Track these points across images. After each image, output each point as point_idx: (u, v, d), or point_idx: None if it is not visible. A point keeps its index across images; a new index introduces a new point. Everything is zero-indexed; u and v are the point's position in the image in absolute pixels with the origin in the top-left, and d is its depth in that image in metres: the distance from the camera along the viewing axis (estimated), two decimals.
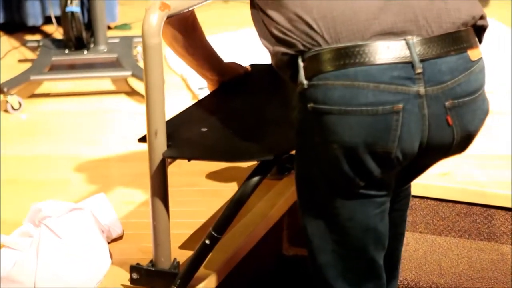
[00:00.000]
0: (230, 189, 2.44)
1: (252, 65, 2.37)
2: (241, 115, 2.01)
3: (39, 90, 3.39)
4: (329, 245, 1.63)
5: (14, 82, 3.22)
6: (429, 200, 2.46)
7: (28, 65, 3.45)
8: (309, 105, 1.51)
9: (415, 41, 1.48)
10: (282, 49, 1.54)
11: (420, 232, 2.49)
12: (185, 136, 1.89)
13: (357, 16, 1.48)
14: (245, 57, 3.60)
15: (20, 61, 3.68)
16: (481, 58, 1.57)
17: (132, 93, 3.35)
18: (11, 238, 2.03)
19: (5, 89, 3.14)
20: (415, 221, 2.47)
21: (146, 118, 1.79)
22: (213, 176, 2.55)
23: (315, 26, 1.50)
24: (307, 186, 1.63)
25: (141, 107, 3.18)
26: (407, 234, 2.38)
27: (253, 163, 2.54)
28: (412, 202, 2.36)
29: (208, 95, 2.17)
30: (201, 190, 2.47)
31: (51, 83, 3.42)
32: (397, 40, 1.48)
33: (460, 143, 1.57)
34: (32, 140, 2.92)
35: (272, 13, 1.56)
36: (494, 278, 2.27)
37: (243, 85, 2.22)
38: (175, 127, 1.92)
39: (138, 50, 3.68)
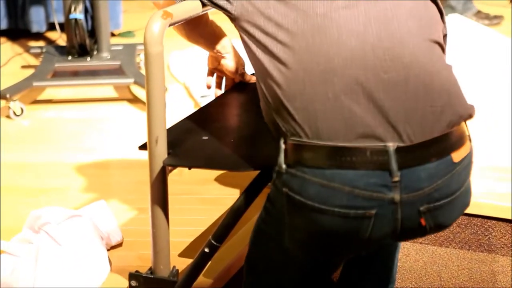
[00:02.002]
0: (231, 198, 2.43)
1: (254, 74, 2.37)
2: (243, 124, 2.00)
3: (41, 97, 3.39)
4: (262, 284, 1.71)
5: (17, 88, 3.22)
6: None
7: (31, 71, 3.45)
8: (284, 189, 1.51)
9: (395, 148, 1.44)
10: (271, 119, 1.55)
11: (421, 243, 2.48)
12: (186, 144, 1.88)
13: (340, 114, 1.45)
14: (248, 66, 3.61)
15: (23, 67, 3.69)
16: (467, 154, 1.53)
17: (134, 100, 3.36)
18: (10, 244, 2.03)
19: (8, 95, 3.14)
20: None
21: (147, 126, 1.79)
22: (214, 184, 2.55)
23: (296, 117, 1.48)
24: (265, 240, 1.67)
25: (143, 115, 3.18)
26: (407, 245, 2.39)
27: (254, 172, 2.56)
28: None
29: (209, 103, 2.17)
30: (201, 199, 2.48)
31: (54, 90, 3.43)
32: (377, 145, 1.43)
33: (435, 230, 1.55)
34: (33, 147, 2.93)
35: (263, 86, 1.56)
36: None
37: (245, 94, 2.22)
38: (176, 135, 1.91)
39: (141, 58, 3.68)
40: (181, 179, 2.56)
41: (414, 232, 1.53)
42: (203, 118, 2.06)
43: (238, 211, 1.78)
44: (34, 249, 2.00)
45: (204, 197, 2.49)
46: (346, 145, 1.44)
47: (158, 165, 1.80)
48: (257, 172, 1.82)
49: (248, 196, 1.77)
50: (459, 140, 1.50)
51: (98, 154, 2.83)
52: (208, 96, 3.32)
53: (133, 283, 1.92)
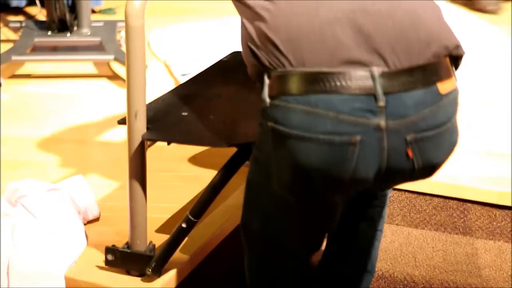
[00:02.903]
0: (210, 176, 2.41)
1: (234, 52, 2.37)
2: (222, 101, 2.01)
3: (20, 71, 3.36)
4: (260, 246, 1.70)
5: None
6: (406, 193, 2.47)
7: (10, 45, 3.42)
8: (269, 124, 1.51)
9: (381, 73, 1.44)
10: (253, 61, 1.54)
11: (397, 224, 2.50)
12: (165, 120, 1.88)
13: (324, 42, 1.46)
14: (229, 45, 3.60)
15: (1, 41, 3.65)
16: (453, 90, 1.53)
17: (114, 77, 3.33)
18: None
19: None
20: (392, 214, 2.48)
21: (127, 100, 1.79)
22: (194, 162, 2.55)
23: (281, 47, 1.48)
24: (255, 192, 1.67)
25: (123, 92, 3.17)
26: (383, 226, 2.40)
27: (234, 149, 2.56)
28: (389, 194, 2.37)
29: (190, 79, 2.17)
30: (180, 176, 2.47)
31: (33, 65, 3.40)
32: (362, 70, 1.44)
33: (423, 172, 1.55)
34: (11, 121, 2.90)
35: (248, 25, 1.55)
36: (468, 271, 2.29)
37: (225, 72, 2.22)
38: (155, 110, 1.92)
39: (121, 35, 3.66)
40: (160, 156, 2.55)
41: (401, 170, 1.50)
42: (183, 94, 2.06)
43: (216, 187, 1.79)
44: (10, 222, 1.99)
45: (183, 174, 2.48)
46: (331, 70, 1.44)
47: (137, 140, 1.81)
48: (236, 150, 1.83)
49: (226, 172, 1.78)
50: (446, 72, 1.51)
51: (77, 130, 2.82)
52: (189, 74, 3.31)
53: (110, 257, 1.92)
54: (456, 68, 1.57)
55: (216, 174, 1.78)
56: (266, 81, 1.50)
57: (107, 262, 1.92)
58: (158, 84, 3.21)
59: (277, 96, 1.48)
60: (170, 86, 3.27)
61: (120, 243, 1.95)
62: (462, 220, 2.44)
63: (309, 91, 1.44)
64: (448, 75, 1.52)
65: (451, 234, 2.46)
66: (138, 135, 1.80)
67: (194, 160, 2.57)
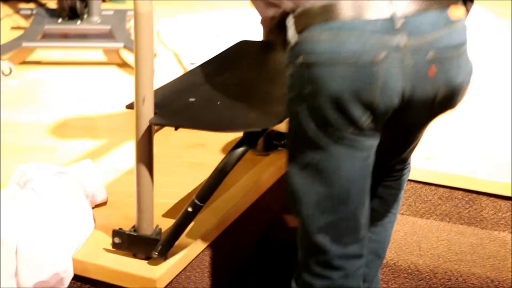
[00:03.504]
0: (216, 162, 2.45)
1: (242, 41, 2.39)
2: (230, 88, 2.02)
3: (30, 58, 3.39)
4: (314, 197, 1.66)
5: (6, 47, 3.22)
6: (412, 183, 2.48)
7: (20, 32, 3.45)
8: (298, 60, 1.58)
9: None
10: (271, 13, 1.60)
11: (402, 214, 2.51)
12: (173, 105, 1.90)
13: None
14: (237, 35, 3.62)
15: (12, 28, 3.68)
16: (462, 19, 1.62)
17: (123, 65, 3.36)
18: None
19: None
20: None
21: (135, 85, 1.81)
22: (201, 149, 2.57)
23: None
24: (297, 138, 1.66)
25: (132, 79, 3.19)
26: None
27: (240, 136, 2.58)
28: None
29: (198, 67, 2.19)
30: (187, 162, 2.49)
31: (43, 51, 3.43)
32: None
33: (445, 98, 1.63)
34: (21, 106, 2.93)
35: None
36: (472, 261, 2.30)
37: (233, 60, 2.24)
38: (163, 96, 1.93)
39: (131, 24, 3.68)
40: (168, 143, 2.58)
41: (423, 96, 1.59)
42: (191, 81, 2.08)
43: (222, 171, 1.81)
44: (19, 204, 2.01)
45: (190, 161, 2.50)
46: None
47: (145, 124, 1.83)
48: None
49: (233, 157, 1.79)
50: None
51: (86, 116, 2.84)
52: (197, 63, 3.32)
53: (117, 240, 1.95)
54: (467, 11, 1.66)
55: (222, 159, 1.80)
56: (291, 21, 1.58)
57: (114, 245, 1.95)
58: (167, 72, 3.23)
59: (302, 30, 1.57)
60: (179, 74, 3.29)
61: (127, 227, 1.97)
62: (467, 210, 2.45)
63: (332, 19, 1.54)
64: (459, 1, 1.62)
65: (456, 224, 2.47)
66: (146, 120, 1.82)
67: (201, 147, 2.59)
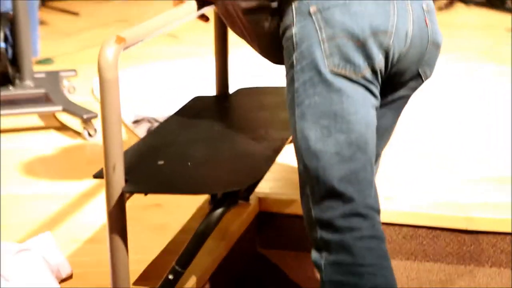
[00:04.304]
0: (177, 223, 2.40)
1: (196, 98, 2.36)
2: (196, 147, 1.97)
3: None
4: (333, 147, 1.65)
5: None
6: None
7: None
8: (310, 9, 1.65)
9: None
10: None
11: None
12: (142, 170, 1.85)
13: None
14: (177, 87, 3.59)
15: None
16: None
17: (61, 128, 3.27)
18: None
19: None
20: None
21: (104, 153, 1.74)
22: (158, 209, 2.51)
23: None
24: (309, 90, 1.66)
25: (74, 142, 3.11)
26: None
27: (200, 196, 2.54)
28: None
29: (157, 127, 2.14)
30: (147, 225, 2.43)
31: None
32: None
33: (430, 52, 1.76)
34: None
35: None
36: None
37: (192, 117, 2.20)
38: (130, 161, 1.87)
39: (65, 85, 3.61)
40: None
41: (421, 36, 1.72)
42: (155, 142, 2.03)
43: (202, 235, 1.76)
44: None
45: (150, 223, 2.44)
46: None
47: (117, 193, 1.76)
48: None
49: (213, 219, 1.75)
50: None
51: (31, 183, 2.75)
52: (141, 121, 3.28)
53: None
54: None
55: (202, 222, 1.75)
56: None
57: None
58: None
59: None
60: (123, 133, 3.22)
61: None
62: (432, 247, 2.46)
63: None
64: None
65: (421, 262, 2.48)
66: (118, 188, 1.75)
67: (158, 207, 2.53)
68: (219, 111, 2.29)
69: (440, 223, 2.44)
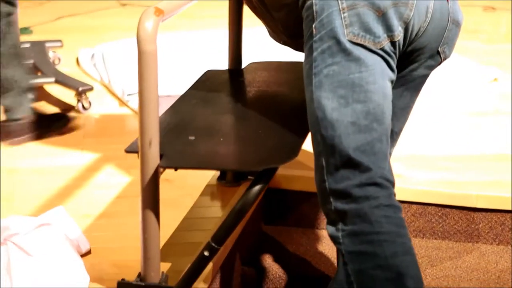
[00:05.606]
0: (188, 199, 2.38)
1: (209, 72, 2.33)
2: (223, 122, 1.96)
3: None
4: (349, 117, 1.65)
5: None
6: None
7: None
8: None
9: None
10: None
11: None
12: (175, 146, 1.81)
13: None
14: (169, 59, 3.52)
15: None
16: None
17: (54, 101, 3.20)
18: None
19: None
20: None
21: (139, 128, 1.71)
22: (168, 185, 2.47)
23: None
24: (328, 59, 1.66)
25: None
26: None
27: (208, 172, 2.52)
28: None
29: (176, 102, 2.10)
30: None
31: None
32: None
33: (450, 30, 1.77)
34: None
35: None
36: (458, 276, 2.32)
37: (209, 91, 2.17)
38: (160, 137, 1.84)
39: (50, 56, 3.52)
40: (133, 180, 2.48)
41: (442, 13, 1.73)
42: (178, 118, 1.99)
43: (240, 212, 1.74)
44: (3, 263, 1.87)
45: (161, 198, 2.40)
46: None
47: (152, 168, 1.73)
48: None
49: (250, 196, 1.72)
50: None
51: (30, 159, 2.69)
52: (136, 94, 3.21)
53: None
54: None
55: (240, 199, 1.73)
56: None
57: None
58: (100, 106, 3.12)
59: None
60: (115, 107, 3.18)
61: (120, 275, 1.87)
62: (440, 225, 2.49)
63: None
64: None
65: (430, 239, 2.50)
66: (153, 164, 1.72)
67: (168, 182, 2.49)
68: (235, 85, 2.26)
69: (449, 201, 2.46)
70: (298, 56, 1.86)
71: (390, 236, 1.68)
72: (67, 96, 3.15)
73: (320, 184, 1.72)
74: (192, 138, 1.84)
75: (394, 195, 1.73)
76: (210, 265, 1.92)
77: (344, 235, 1.70)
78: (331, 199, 1.70)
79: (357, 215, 1.67)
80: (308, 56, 1.71)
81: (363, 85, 1.65)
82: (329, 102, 1.66)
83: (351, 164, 1.67)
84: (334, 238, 1.72)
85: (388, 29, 1.65)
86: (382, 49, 1.66)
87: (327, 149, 1.68)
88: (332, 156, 1.68)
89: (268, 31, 1.97)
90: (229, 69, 2.36)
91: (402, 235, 1.70)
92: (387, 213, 1.68)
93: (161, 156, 1.74)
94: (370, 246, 1.67)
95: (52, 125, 2.83)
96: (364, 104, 1.66)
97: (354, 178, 1.67)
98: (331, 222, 1.73)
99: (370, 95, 1.66)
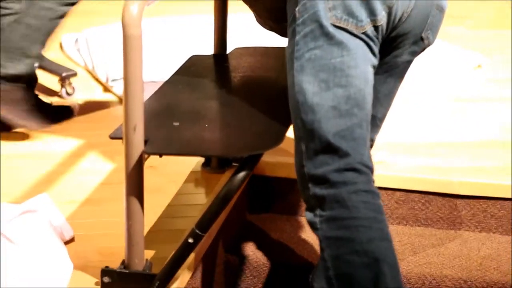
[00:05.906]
0: (172, 186, 2.37)
1: (194, 56, 2.32)
2: (208, 108, 1.96)
3: None
4: (330, 101, 1.65)
5: None
6: None
7: None
8: None
9: None
10: None
11: None
12: (159, 131, 1.81)
13: None
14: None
15: None
16: None
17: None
18: None
19: None
20: None
21: (124, 112, 1.70)
22: (153, 171, 2.46)
23: None
24: (311, 40, 1.65)
25: (51, 100, 3.03)
26: None
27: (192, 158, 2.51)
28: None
29: (161, 87, 2.09)
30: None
31: None
32: None
33: (434, 16, 1.77)
34: None
35: None
36: (440, 263, 2.33)
37: (195, 77, 2.16)
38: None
39: None
40: (118, 167, 2.46)
41: (427, 5, 1.74)
42: (163, 103, 1.98)
43: (224, 199, 1.74)
44: None
45: (145, 185, 2.39)
46: None
47: (137, 154, 1.72)
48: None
49: (235, 183, 1.72)
50: None
51: (15, 144, 2.67)
52: (120, 79, 3.20)
53: (106, 279, 1.83)
54: None
55: (225, 185, 1.72)
56: None
57: (103, 285, 1.82)
58: (84, 92, 3.10)
59: None
60: (99, 92, 3.16)
61: (104, 263, 1.86)
62: (423, 212, 2.49)
63: None
64: None
65: (413, 226, 2.51)
66: (138, 149, 1.71)
67: (152, 169, 2.48)
68: (220, 70, 2.25)
69: (432, 188, 2.47)
70: (284, 42, 1.86)
71: (367, 222, 1.68)
72: (51, 81, 3.12)
73: (299, 169, 1.72)
74: (176, 124, 1.84)
75: (373, 181, 1.73)
76: (193, 253, 1.91)
77: (322, 221, 1.70)
78: (310, 185, 1.70)
79: (335, 201, 1.68)
80: (291, 40, 1.70)
81: (344, 69, 1.65)
82: (310, 86, 1.66)
83: (330, 149, 1.67)
84: (312, 224, 1.73)
85: (371, 13, 1.65)
86: (365, 33, 1.66)
87: (307, 134, 1.68)
88: (311, 141, 1.68)
89: (255, 16, 1.96)
90: (214, 54, 2.35)
91: (380, 221, 1.71)
92: (365, 198, 1.69)
93: (145, 142, 1.73)
94: (347, 232, 1.68)
95: (59, 117, 2.80)
96: (345, 89, 1.65)
97: (332, 163, 1.67)
98: (309, 208, 1.73)
99: (352, 80, 1.66)
